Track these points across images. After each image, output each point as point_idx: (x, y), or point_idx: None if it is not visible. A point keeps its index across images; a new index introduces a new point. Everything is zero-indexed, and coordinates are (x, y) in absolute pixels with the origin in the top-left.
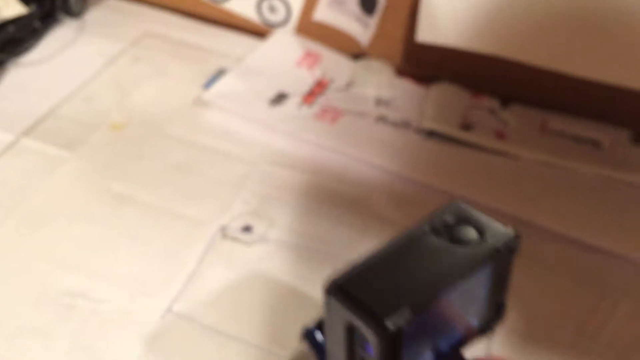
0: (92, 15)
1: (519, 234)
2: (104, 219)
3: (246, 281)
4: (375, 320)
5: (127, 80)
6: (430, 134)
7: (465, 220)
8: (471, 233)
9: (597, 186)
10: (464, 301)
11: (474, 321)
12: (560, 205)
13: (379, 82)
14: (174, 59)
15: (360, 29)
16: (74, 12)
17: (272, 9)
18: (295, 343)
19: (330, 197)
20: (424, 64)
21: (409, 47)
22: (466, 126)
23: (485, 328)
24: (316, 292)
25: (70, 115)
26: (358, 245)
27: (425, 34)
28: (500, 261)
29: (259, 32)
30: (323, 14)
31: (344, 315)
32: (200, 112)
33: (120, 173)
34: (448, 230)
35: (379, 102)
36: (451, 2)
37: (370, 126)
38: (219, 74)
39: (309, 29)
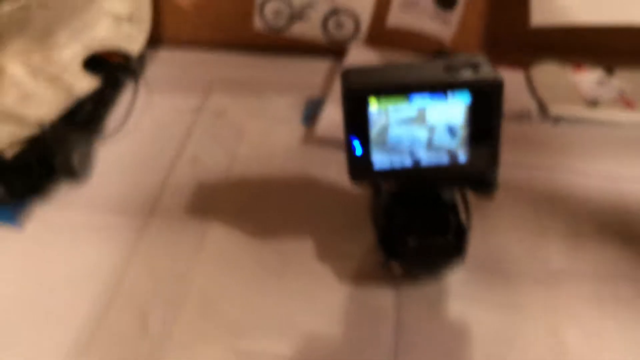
0: (152, 71)
1: (503, 82)
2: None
3: None
4: (346, 85)
5: (222, 135)
6: (557, 120)
7: (471, 64)
8: (466, 71)
9: None
10: (442, 128)
11: (461, 157)
12: None
13: None
14: (255, 101)
15: (439, 26)
16: (136, 73)
17: (339, 25)
18: None
19: None
20: (514, 49)
21: (493, 36)
22: (591, 103)
23: (479, 185)
24: None
25: (182, 183)
26: None
27: (540, 17)
28: (479, 96)
29: (325, 51)
30: (396, 18)
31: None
32: (313, 149)
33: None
34: (450, 66)
35: None
36: None
37: None
38: (312, 105)
39: (382, 37)
